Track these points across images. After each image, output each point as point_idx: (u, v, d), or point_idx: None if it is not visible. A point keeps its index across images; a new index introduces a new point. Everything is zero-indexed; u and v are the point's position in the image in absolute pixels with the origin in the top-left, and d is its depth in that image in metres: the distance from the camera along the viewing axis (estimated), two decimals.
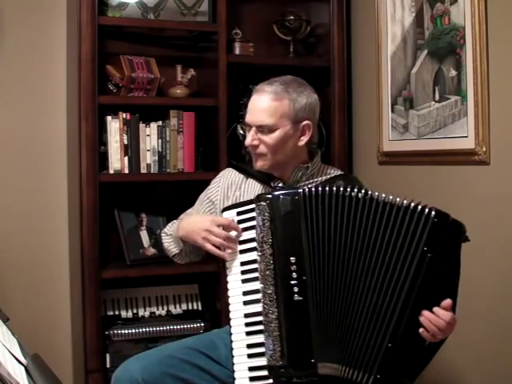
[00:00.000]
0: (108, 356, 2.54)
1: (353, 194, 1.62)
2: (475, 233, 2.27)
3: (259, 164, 1.89)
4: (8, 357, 1.27)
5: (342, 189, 1.63)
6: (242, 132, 1.90)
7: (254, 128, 1.85)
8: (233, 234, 1.75)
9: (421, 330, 1.55)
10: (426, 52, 2.46)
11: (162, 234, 2.06)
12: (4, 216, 2.57)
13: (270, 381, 1.67)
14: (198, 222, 1.84)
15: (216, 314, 2.75)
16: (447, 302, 1.56)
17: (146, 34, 2.80)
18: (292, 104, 1.84)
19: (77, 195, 2.59)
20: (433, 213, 1.57)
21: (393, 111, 2.65)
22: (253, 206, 1.71)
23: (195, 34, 2.80)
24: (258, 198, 1.70)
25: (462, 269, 2.28)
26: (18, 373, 1.24)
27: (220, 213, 1.88)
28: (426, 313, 1.55)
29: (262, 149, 1.86)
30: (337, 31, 2.85)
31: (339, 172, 2.00)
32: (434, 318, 1.55)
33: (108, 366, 2.53)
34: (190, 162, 2.71)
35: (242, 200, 1.90)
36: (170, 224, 2.06)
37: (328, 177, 1.94)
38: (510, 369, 2.11)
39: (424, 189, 2.47)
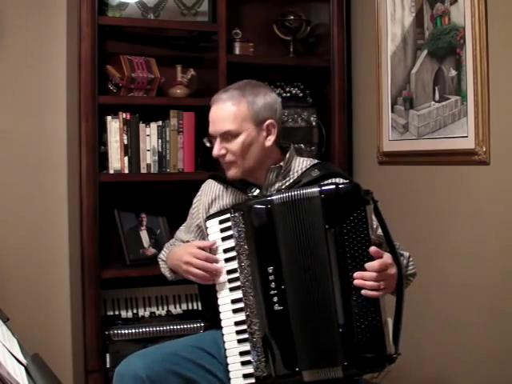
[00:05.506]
0: (108, 356, 2.53)
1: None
2: (475, 233, 2.28)
3: (231, 173, 1.85)
4: (8, 357, 1.27)
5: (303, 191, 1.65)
6: (209, 145, 1.89)
7: (218, 138, 1.82)
8: (218, 256, 1.76)
9: (363, 291, 1.57)
10: (425, 52, 2.46)
11: (159, 260, 2.09)
12: (4, 216, 2.57)
13: None
14: (179, 255, 1.86)
15: (216, 314, 2.75)
16: (371, 249, 1.58)
17: (146, 34, 2.80)
18: (250, 106, 1.80)
19: (77, 195, 2.59)
20: (316, 189, 1.62)
21: (393, 111, 2.65)
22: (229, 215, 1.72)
23: (195, 34, 2.80)
24: (233, 209, 1.71)
25: (462, 268, 2.30)
26: (17, 373, 1.24)
27: (204, 223, 1.86)
28: (355, 275, 1.58)
29: (230, 157, 1.82)
30: (337, 31, 2.85)
31: (314, 162, 1.94)
32: (362, 274, 1.57)
33: (108, 366, 2.53)
34: (190, 162, 2.71)
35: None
36: (166, 246, 2.09)
37: (304, 169, 1.89)
38: (509, 368, 2.11)
39: (424, 189, 2.47)
